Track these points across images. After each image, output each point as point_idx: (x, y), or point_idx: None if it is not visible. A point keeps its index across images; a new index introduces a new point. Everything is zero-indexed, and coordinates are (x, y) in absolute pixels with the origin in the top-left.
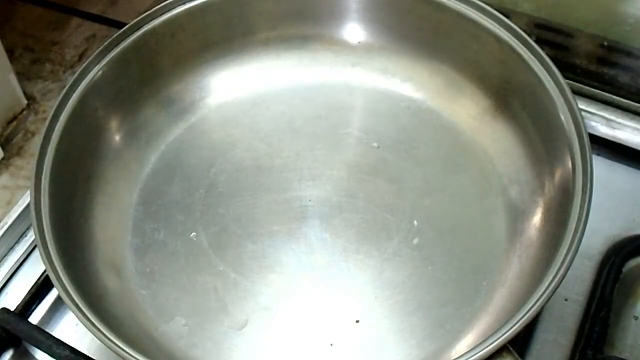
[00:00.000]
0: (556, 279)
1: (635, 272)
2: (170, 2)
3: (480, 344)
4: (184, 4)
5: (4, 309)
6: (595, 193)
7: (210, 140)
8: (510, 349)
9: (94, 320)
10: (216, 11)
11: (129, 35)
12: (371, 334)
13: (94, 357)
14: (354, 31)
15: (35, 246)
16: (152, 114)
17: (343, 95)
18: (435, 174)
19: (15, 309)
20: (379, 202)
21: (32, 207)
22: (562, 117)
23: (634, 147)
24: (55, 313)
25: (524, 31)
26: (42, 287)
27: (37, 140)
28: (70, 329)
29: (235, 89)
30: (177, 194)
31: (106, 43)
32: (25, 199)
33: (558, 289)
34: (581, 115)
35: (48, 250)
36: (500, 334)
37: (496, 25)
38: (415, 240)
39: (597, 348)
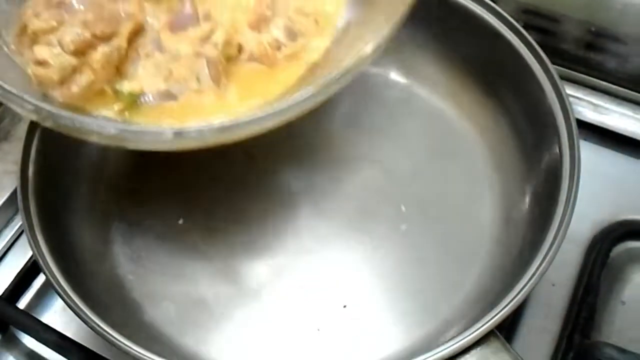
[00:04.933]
0: (543, 264)
1: (622, 257)
2: None
3: (468, 329)
4: None
5: None
6: (583, 178)
7: None
8: (498, 334)
9: (81, 306)
10: None
11: None
12: (358, 319)
13: (81, 342)
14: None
15: (22, 231)
16: None
17: None
18: (424, 160)
19: (2, 294)
20: (367, 188)
21: (19, 192)
22: (550, 103)
23: (621, 132)
24: (42, 298)
25: (512, 17)
26: (29, 273)
27: (25, 124)
28: (58, 314)
29: None
30: (164, 178)
31: None
32: (13, 183)
33: (545, 274)
34: (569, 101)
35: (35, 236)
36: (487, 319)
37: (484, 10)
38: (403, 226)
39: (585, 333)
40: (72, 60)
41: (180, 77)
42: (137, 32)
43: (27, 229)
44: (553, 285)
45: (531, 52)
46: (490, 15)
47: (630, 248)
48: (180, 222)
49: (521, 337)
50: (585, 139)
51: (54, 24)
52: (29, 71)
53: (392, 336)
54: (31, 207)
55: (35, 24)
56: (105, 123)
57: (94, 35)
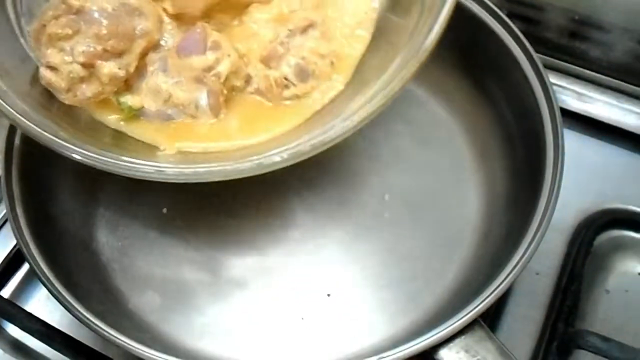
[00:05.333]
0: (527, 253)
1: (606, 246)
2: None
3: (451, 318)
4: None
5: None
6: (567, 167)
7: None
8: (482, 322)
9: (65, 294)
10: None
11: None
12: (342, 307)
13: (65, 331)
14: None
15: (6, 220)
16: None
17: None
18: (407, 149)
19: None
20: (350, 176)
21: (3, 181)
22: (534, 91)
23: (605, 121)
24: (27, 287)
25: (496, 5)
26: (13, 261)
27: None
28: (42, 303)
29: None
30: None
31: None
32: None
33: (529, 263)
34: (552, 90)
35: (19, 225)
36: (471, 308)
37: None
38: (387, 215)
39: (569, 322)
40: (80, 72)
41: (178, 102)
42: (151, 48)
43: (10, 218)
44: (537, 274)
45: (515, 40)
46: (473, 3)
47: (614, 237)
48: (165, 211)
49: (505, 326)
50: (569, 128)
51: (70, 31)
52: (40, 70)
53: (375, 325)
54: (15, 195)
55: (52, 28)
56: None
57: (105, 50)
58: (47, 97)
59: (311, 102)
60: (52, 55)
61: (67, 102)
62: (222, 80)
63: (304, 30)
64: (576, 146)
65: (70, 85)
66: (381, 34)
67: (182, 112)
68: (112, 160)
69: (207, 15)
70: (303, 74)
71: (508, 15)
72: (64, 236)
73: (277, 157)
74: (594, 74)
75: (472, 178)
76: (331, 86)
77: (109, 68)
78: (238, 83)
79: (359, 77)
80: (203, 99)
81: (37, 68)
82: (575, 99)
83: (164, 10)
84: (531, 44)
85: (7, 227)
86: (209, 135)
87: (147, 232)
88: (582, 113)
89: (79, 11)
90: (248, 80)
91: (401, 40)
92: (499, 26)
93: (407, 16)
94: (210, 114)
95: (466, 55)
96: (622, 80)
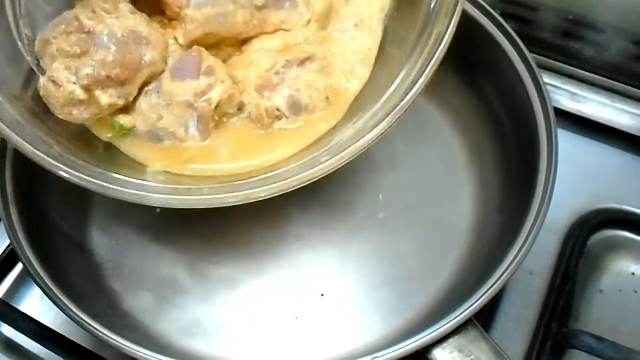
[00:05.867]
0: (521, 253)
1: (600, 246)
2: None
3: (445, 318)
4: None
5: None
6: (560, 167)
7: None
8: (476, 322)
9: (59, 295)
10: None
11: None
12: (336, 307)
13: (59, 331)
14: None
15: (0, 220)
16: None
17: None
18: (401, 149)
19: None
20: (344, 176)
21: None
22: (528, 91)
23: (598, 120)
24: (20, 287)
25: (490, 5)
26: (7, 262)
27: None
28: (36, 303)
29: None
30: None
31: None
32: None
33: (523, 263)
34: (546, 89)
35: (13, 225)
36: (465, 308)
37: None
38: (381, 215)
39: (563, 322)
40: (81, 95)
41: (168, 124)
42: (153, 77)
43: (4, 218)
44: (531, 274)
45: (509, 40)
46: (467, 3)
47: (608, 237)
48: (158, 211)
49: (499, 325)
50: (563, 128)
51: (78, 51)
52: (42, 80)
53: (369, 325)
54: (8, 195)
55: (62, 44)
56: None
57: (109, 77)
58: (40, 104)
59: (302, 135)
60: (57, 71)
61: (61, 117)
62: (213, 106)
63: (302, 62)
64: (570, 146)
65: (69, 104)
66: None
67: (172, 135)
68: (100, 182)
69: (216, 46)
70: (296, 106)
71: (502, 15)
72: (58, 236)
73: (263, 193)
74: (587, 74)
75: (466, 178)
76: (324, 121)
77: (109, 97)
78: (231, 110)
79: (351, 109)
80: (193, 123)
81: (31, 71)
82: (569, 98)
83: (175, 39)
84: (525, 44)
85: (1, 227)
86: (197, 158)
87: (140, 232)
88: (576, 113)
89: (90, 32)
90: (241, 107)
91: (394, 73)
92: (492, 26)
93: (401, 49)
94: (199, 138)
95: (460, 55)
96: (615, 80)
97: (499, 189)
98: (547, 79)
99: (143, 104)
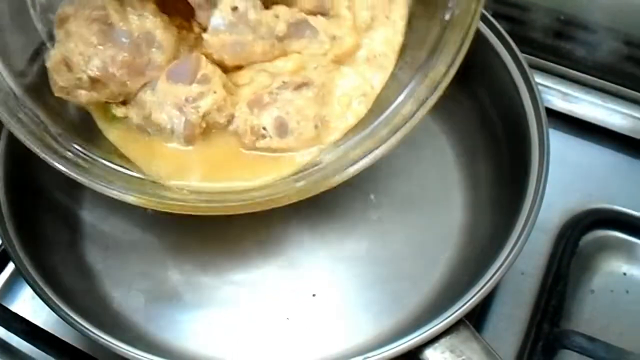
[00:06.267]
0: (513, 253)
1: (591, 246)
2: None
3: (437, 318)
4: None
5: None
6: (552, 167)
7: None
8: (467, 322)
9: (50, 294)
10: None
11: None
12: (327, 307)
13: (50, 331)
14: None
15: None
16: None
17: None
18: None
19: None
20: None
21: None
22: (519, 91)
23: (590, 121)
24: (12, 287)
25: None
26: None
27: None
28: (27, 303)
29: None
30: None
31: None
32: None
33: (515, 263)
34: (538, 89)
35: (4, 224)
36: (456, 308)
37: None
38: (373, 215)
39: (554, 322)
40: (86, 83)
41: (156, 122)
42: (155, 77)
43: None
44: (522, 274)
45: (500, 40)
46: None
47: (599, 237)
48: (150, 211)
49: (490, 326)
50: (554, 128)
51: (95, 42)
52: (53, 51)
53: (361, 325)
54: (0, 196)
55: (82, 28)
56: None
57: (114, 75)
58: (41, 81)
59: (283, 164)
60: (72, 53)
61: (56, 94)
62: (200, 114)
63: (298, 87)
64: (561, 146)
65: (72, 86)
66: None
67: (159, 132)
68: (86, 180)
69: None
70: (282, 128)
71: (493, 15)
72: (49, 236)
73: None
74: (579, 74)
75: (458, 178)
76: (307, 154)
77: (110, 91)
78: (221, 120)
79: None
80: (179, 126)
81: (39, 47)
82: (560, 99)
83: (207, 55)
84: (516, 43)
85: None
86: (177, 160)
87: (131, 232)
88: (568, 113)
89: (111, 25)
90: (230, 119)
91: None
92: (484, 26)
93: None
94: (184, 142)
95: None
96: (607, 80)
97: (490, 189)
98: (538, 79)
99: (138, 97)
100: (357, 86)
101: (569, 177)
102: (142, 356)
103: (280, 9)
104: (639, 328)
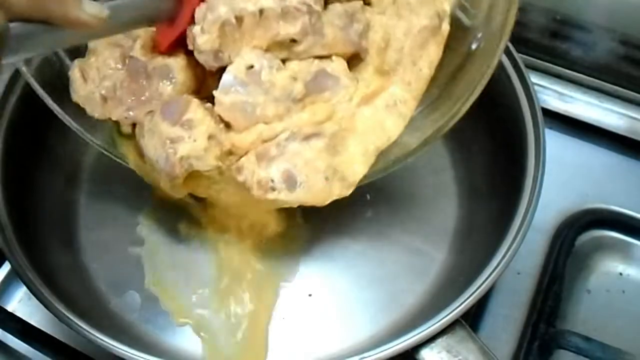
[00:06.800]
0: (509, 253)
1: (587, 246)
2: None
3: (433, 318)
4: None
5: None
6: (548, 167)
7: None
8: (463, 322)
9: (46, 294)
10: None
11: None
12: (323, 307)
13: (46, 331)
14: None
15: None
16: None
17: None
18: None
19: None
20: None
21: None
22: (515, 91)
23: (586, 120)
24: (8, 287)
25: None
26: None
27: None
28: (23, 303)
29: None
30: (130, 168)
31: None
32: None
33: (511, 263)
34: (534, 89)
35: (1, 224)
36: (452, 308)
37: None
38: (369, 215)
39: (550, 322)
40: (97, 99)
41: (147, 147)
42: None
43: None
44: (518, 274)
45: None
46: None
47: (595, 237)
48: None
49: (487, 325)
50: (550, 128)
51: (112, 62)
52: (75, 63)
53: (357, 325)
54: None
55: (106, 47)
56: None
57: (121, 99)
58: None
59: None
60: (90, 66)
61: (73, 99)
62: (177, 156)
63: (307, 137)
64: (557, 146)
65: (84, 97)
66: None
67: (149, 157)
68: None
69: None
70: (290, 181)
71: None
72: (45, 236)
73: None
74: (575, 73)
75: (454, 178)
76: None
77: (117, 113)
78: (203, 169)
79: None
80: (162, 162)
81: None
82: (556, 98)
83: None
84: (512, 43)
85: None
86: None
87: (127, 232)
88: (564, 113)
89: (131, 58)
90: (222, 172)
91: None
92: None
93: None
94: (167, 179)
95: None
96: (603, 80)
97: (486, 188)
98: (534, 79)
99: (142, 121)
100: (374, 137)
101: (565, 177)
102: (138, 356)
103: (298, 67)
104: (635, 328)
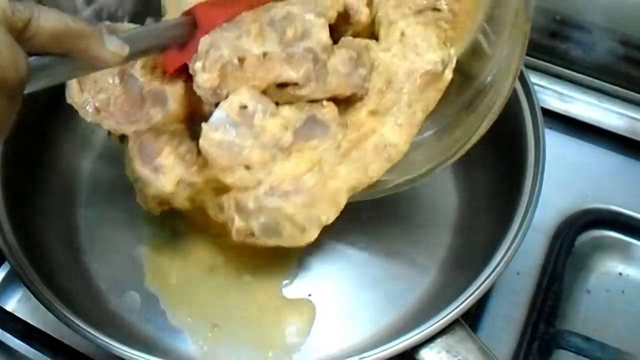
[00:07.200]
0: (508, 253)
1: (587, 246)
2: None
3: (432, 318)
4: None
5: None
6: (548, 167)
7: None
8: (463, 322)
9: (46, 294)
10: None
11: None
12: (323, 308)
13: (46, 331)
14: None
15: None
16: None
17: None
18: None
19: None
20: None
21: None
22: (515, 91)
23: (586, 120)
24: (7, 287)
25: None
26: None
27: None
28: (23, 303)
29: None
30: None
31: None
32: None
33: (510, 263)
34: (533, 89)
35: (1, 224)
36: (452, 308)
37: None
38: (367, 215)
39: (550, 322)
40: (90, 109)
41: (131, 164)
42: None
43: None
44: (518, 274)
45: None
46: None
47: (595, 237)
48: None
49: (486, 325)
50: (550, 128)
51: (110, 78)
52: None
53: (356, 325)
54: None
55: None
56: None
57: (112, 113)
58: None
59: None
60: (87, 78)
61: (68, 101)
62: (148, 193)
63: (285, 194)
64: (557, 146)
65: (81, 106)
66: None
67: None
68: None
69: None
70: (270, 232)
71: None
72: (45, 236)
73: None
74: (575, 74)
75: (453, 178)
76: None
77: (108, 124)
78: (174, 206)
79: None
80: (139, 185)
81: None
82: (556, 98)
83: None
84: None
85: None
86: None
87: (127, 231)
88: (563, 113)
89: (130, 76)
90: (220, 208)
91: None
92: None
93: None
94: (144, 206)
95: None
96: (603, 80)
97: (486, 188)
98: (534, 79)
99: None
100: (356, 182)
101: (564, 177)
102: (138, 356)
103: (289, 113)
104: (635, 328)
